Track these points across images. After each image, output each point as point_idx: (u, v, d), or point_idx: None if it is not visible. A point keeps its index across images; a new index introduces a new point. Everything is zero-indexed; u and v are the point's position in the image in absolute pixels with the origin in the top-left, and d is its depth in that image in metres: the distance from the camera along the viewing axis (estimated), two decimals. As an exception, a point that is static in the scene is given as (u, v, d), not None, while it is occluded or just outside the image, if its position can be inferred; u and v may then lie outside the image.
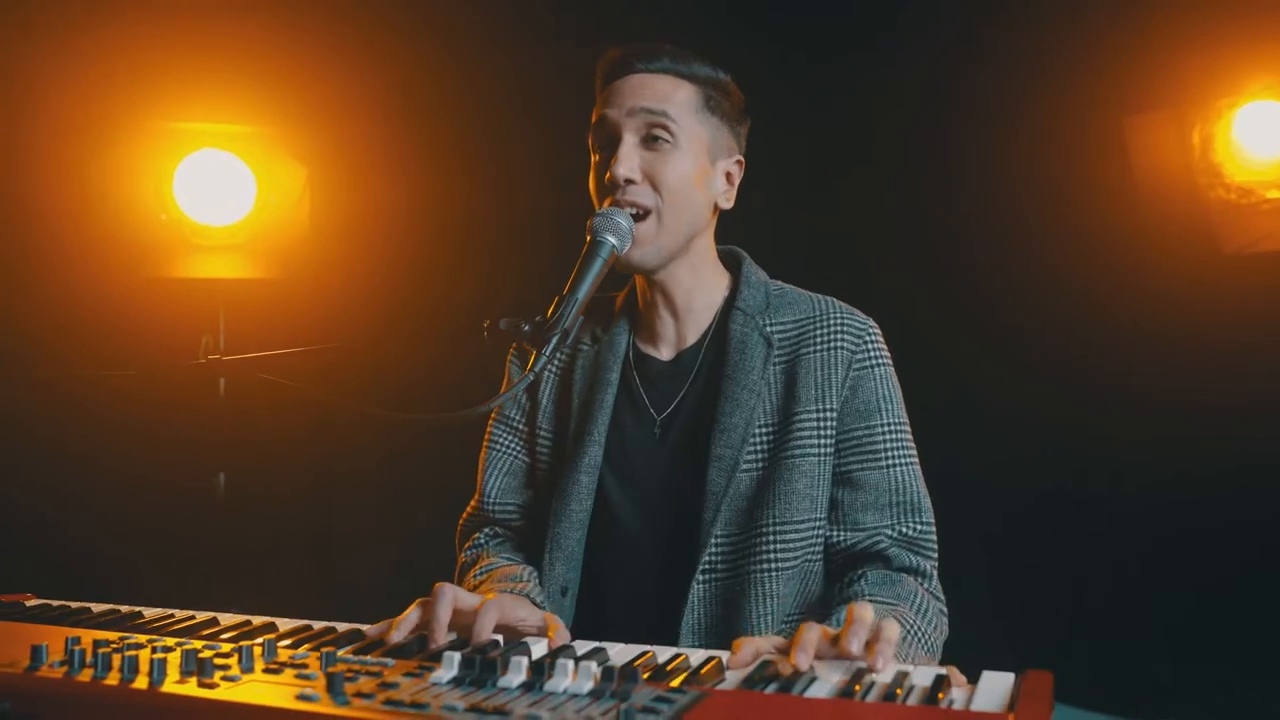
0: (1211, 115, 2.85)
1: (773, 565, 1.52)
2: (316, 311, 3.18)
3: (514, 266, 3.24)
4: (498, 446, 1.78)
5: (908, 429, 1.63)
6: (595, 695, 0.98)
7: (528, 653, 1.21)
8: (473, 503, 1.79)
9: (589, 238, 1.53)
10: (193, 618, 1.42)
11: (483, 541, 1.76)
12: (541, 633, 1.35)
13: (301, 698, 0.99)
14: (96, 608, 1.50)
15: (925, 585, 1.55)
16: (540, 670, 1.02)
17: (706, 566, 1.55)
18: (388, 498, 3.45)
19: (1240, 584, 2.77)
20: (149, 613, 1.46)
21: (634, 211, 1.57)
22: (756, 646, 1.20)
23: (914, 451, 1.63)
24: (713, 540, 1.55)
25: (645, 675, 1.08)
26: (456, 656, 1.06)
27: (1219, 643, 2.80)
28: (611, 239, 1.52)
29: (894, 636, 1.13)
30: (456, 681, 1.03)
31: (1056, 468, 2.99)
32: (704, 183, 1.62)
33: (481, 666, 1.04)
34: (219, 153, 3.11)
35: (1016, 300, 3.02)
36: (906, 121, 3.10)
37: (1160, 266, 2.89)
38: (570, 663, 1.02)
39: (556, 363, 1.76)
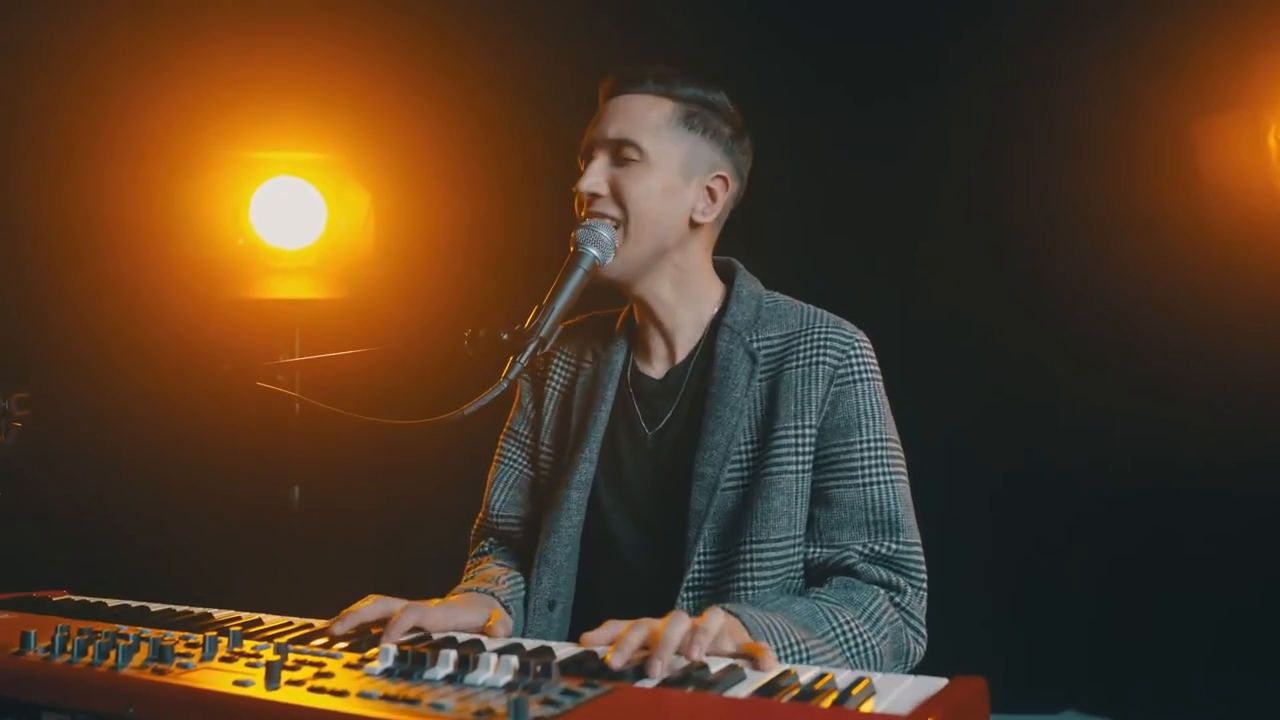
0: (1290, 116, 2.73)
1: (751, 583, 1.52)
2: (382, 328, 3.29)
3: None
4: (505, 460, 1.83)
5: (892, 445, 1.60)
6: (509, 688, 1.01)
7: (475, 647, 1.24)
8: (480, 514, 1.85)
9: (571, 249, 1.57)
10: (189, 612, 1.50)
11: (485, 550, 1.82)
12: (490, 634, 1.37)
13: (238, 683, 1.05)
14: (112, 602, 1.59)
15: (895, 599, 1.52)
16: (466, 664, 1.05)
17: (691, 584, 1.55)
18: (458, 511, 3.53)
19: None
20: (154, 607, 1.55)
21: (599, 217, 1.60)
22: (613, 631, 1.23)
23: (898, 469, 1.59)
24: (696, 558, 1.55)
25: (564, 670, 1.10)
26: (392, 649, 1.10)
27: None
28: (593, 250, 1.56)
29: (712, 627, 1.16)
30: (388, 673, 1.07)
31: (1148, 478, 2.89)
32: (672, 197, 1.63)
33: (413, 659, 1.08)
34: (292, 179, 3.26)
35: (1085, 309, 2.95)
36: (971, 129, 3.06)
37: (1233, 273, 2.78)
38: (493, 656, 1.05)
39: (562, 379, 1.80)
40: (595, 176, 1.62)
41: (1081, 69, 2.93)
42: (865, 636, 1.44)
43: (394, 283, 3.29)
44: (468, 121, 3.28)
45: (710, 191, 1.68)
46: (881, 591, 1.51)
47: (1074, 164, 2.96)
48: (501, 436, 1.86)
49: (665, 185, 1.63)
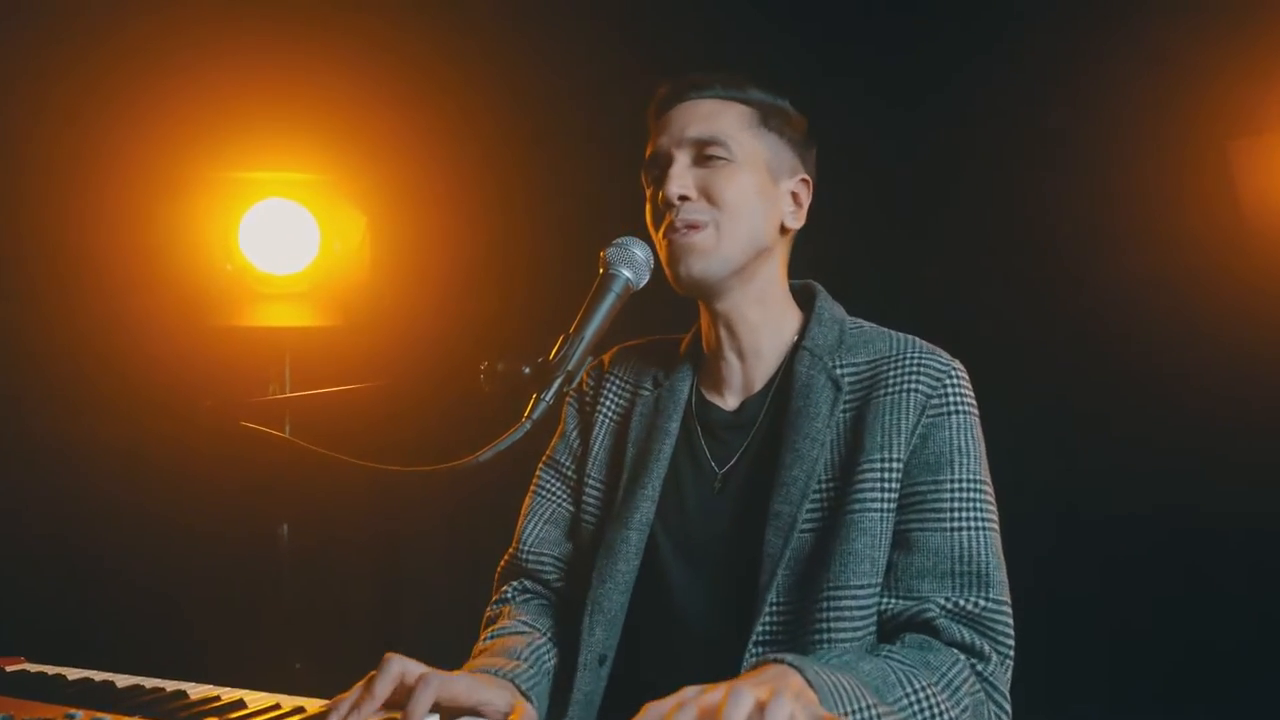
0: (1329, 136, 2.62)
1: (829, 635, 1.33)
2: (378, 357, 3.15)
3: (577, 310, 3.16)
4: (543, 492, 1.65)
5: (985, 488, 1.42)
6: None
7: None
8: (509, 550, 1.66)
9: (601, 270, 1.41)
10: (161, 690, 1.31)
11: (509, 596, 1.62)
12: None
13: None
14: (73, 674, 1.41)
15: (977, 666, 1.32)
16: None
17: (760, 638, 1.37)
18: (455, 547, 3.37)
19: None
20: (121, 682, 1.36)
21: (690, 223, 1.46)
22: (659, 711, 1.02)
23: (990, 515, 1.41)
24: (768, 608, 1.37)
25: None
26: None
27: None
28: (626, 272, 1.40)
29: (781, 714, 0.93)
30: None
31: (1174, 499, 2.75)
32: (767, 198, 1.50)
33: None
34: (283, 201, 3.10)
35: (1119, 334, 2.83)
36: (1001, 152, 2.95)
37: (1271, 296, 2.66)
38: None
39: (615, 407, 1.64)
40: (682, 179, 1.46)
41: (1118, 86, 2.83)
42: (943, 708, 1.25)
43: (390, 310, 3.14)
44: (467, 142, 3.15)
45: (795, 196, 1.55)
46: (962, 657, 1.32)
47: (1107, 183, 2.86)
48: (540, 464, 1.68)
49: (758, 185, 1.49)
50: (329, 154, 3.10)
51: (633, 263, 1.41)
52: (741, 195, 1.47)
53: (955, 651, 1.32)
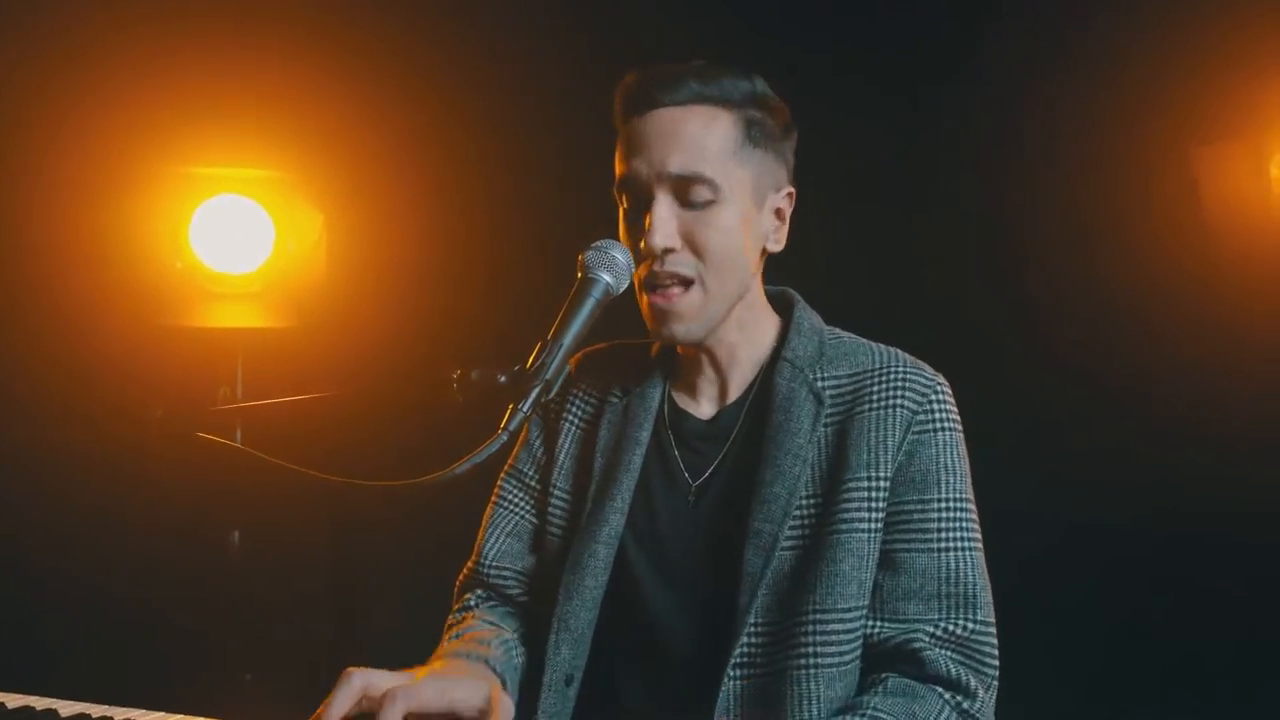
0: (1291, 144, 2.65)
1: (814, 660, 1.29)
2: (334, 361, 3.06)
3: (541, 313, 3.09)
4: (505, 504, 1.59)
5: (971, 507, 1.38)
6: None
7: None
8: (469, 563, 1.60)
9: (580, 274, 1.35)
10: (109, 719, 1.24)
11: (472, 603, 1.55)
12: (484, 717, 1.14)
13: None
14: (13, 702, 1.31)
15: (964, 704, 1.29)
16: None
17: (740, 660, 1.32)
18: (410, 557, 3.30)
19: None
20: (66, 711, 1.28)
21: (672, 284, 1.40)
22: None
23: (976, 535, 1.37)
24: (748, 629, 1.33)
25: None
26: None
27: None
28: (606, 276, 1.34)
29: None
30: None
31: (1124, 508, 2.75)
32: (751, 231, 1.43)
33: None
34: (237, 198, 3.01)
35: (1081, 340, 2.83)
36: (963, 156, 2.94)
37: (1234, 303, 2.68)
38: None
39: (582, 415, 1.58)
40: (667, 228, 1.37)
41: (1084, 92, 2.84)
42: None
43: (347, 312, 3.05)
44: (428, 140, 3.08)
45: (779, 212, 1.48)
46: (949, 701, 1.29)
47: (1073, 189, 2.85)
48: (502, 474, 1.61)
49: (743, 218, 1.41)
50: (285, 150, 3.00)
51: (613, 267, 1.35)
52: (728, 242, 1.39)
53: (940, 693, 1.29)
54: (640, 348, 1.61)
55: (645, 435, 1.49)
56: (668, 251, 1.37)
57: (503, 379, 1.25)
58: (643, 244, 1.38)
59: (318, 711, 1.08)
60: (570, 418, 1.58)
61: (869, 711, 1.25)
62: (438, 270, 3.09)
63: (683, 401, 1.53)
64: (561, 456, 1.56)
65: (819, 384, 1.42)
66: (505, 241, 3.10)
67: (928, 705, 1.27)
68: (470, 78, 3.09)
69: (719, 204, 1.38)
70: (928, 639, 1.30)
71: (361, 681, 1.07)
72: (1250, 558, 2.64)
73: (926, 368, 1.45)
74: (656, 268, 1.38)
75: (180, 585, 3.10)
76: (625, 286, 1.38)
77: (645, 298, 1.42)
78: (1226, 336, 2.71)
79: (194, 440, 2.86)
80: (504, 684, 1.34)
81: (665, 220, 1.37)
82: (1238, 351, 2.70)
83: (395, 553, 3.32)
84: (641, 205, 1.40)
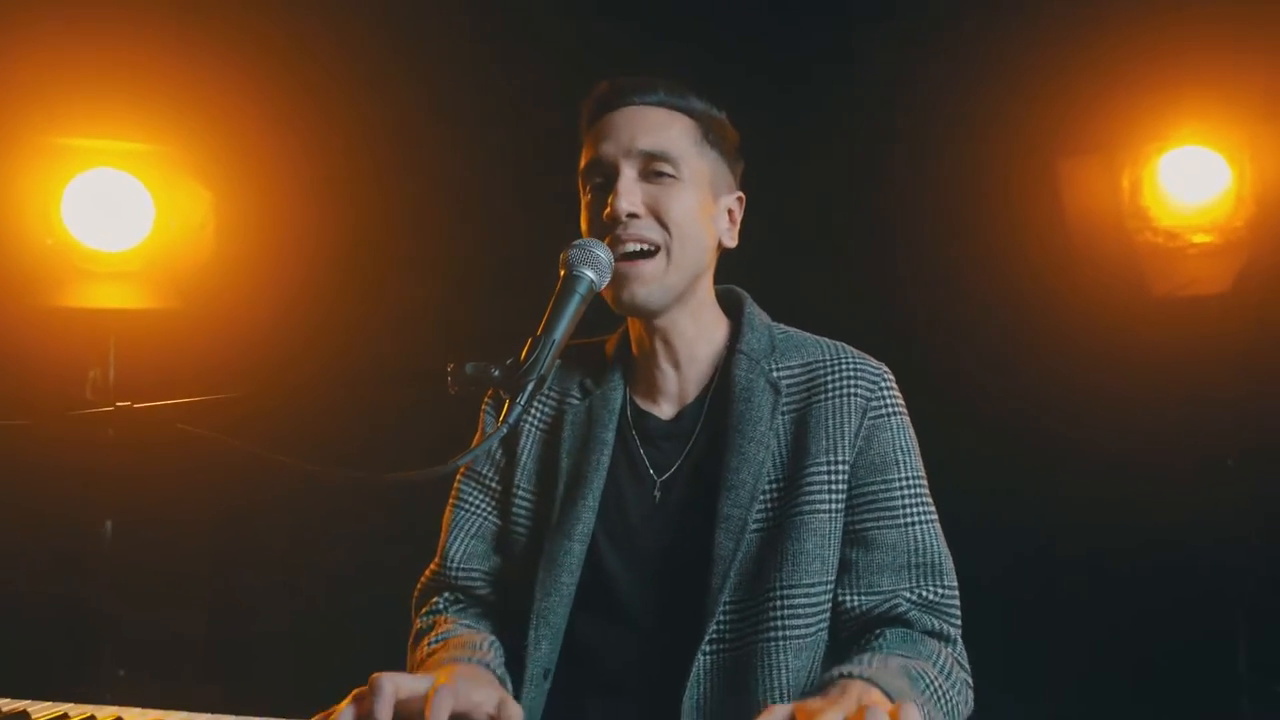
0: (1140, 159, 2.87)
1: (781, 634, 1.39)
2: (219, 346, 2.94)
3: (433, 299, 3.07)
4: (465, 506, 1.60)
5: (925, 484, 1.51)
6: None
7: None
8: (433, 565, 1.61)
9: (563, 272, 1.39)
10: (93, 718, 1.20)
11: (441, 607, 1.57)
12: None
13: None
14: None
15: (950, 650, 1.43)
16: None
17: (714, 637, 1.40)
18: (292, 548, 3.22)
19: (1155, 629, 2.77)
20: (36, 713, 1.23)
21: (640, 248, 1.45)
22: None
23: (933, 508, 1.50)
24: (720, 609, 1.41)
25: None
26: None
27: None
28: (589, 273, 1.38)
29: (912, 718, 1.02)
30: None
31: (979, 521, 2.88)
32: (708, 218, 1.52)
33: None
34: (113, 172, 2.86)
35: (947, 342, 2.98)
36: (828, 161, 3.03)
37: (1092, 308, 2.89)
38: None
39: (541, 416, 1.61)
40: (631, 194, 1.44)
41: (957, 103, 2.96)
42: (949, 694, 1.34)
43: (234, 294, 2.94)
44: (327, 120, 3.00)
45: (731, 213, 1.57)
46: (936, 643, 1.42)
47: (941, 194, 2.99)
48: (459, 477, 1.62)
49: (701, 204, 1.50)
50: (169, 124, 2.87)
51: (596, 264, 1.39)
52: (689, 216, 1.48)
53: (931, 640, 1.41)
54: (594, 347, 1.66)
55: (610, 436, 1.54)
56: (632, 216, 1.45)
57: (497, 373, 1.27)
58: (606, 212, 1.46)
59: (342, 708, 1.09)
60: (530, 419, 1.61)
61: (884, 651, 1.35)
62: (330, 253, 3.02)
63: (644, 403, 1.58)
64: (524, 458, 1.59)
65: (774, 374, 1.51)
66: (400, 223, 3.06)
67: (929, 647, 1.39)
68: (366, 53, 3.02)
69: (680, 182, 1.48)
70: (909, 604, 1.43)
71: (392, 685, 1.09)
72: (1082, 546, 2.85)
73: (871, 359, 1.56)
74: (621, 233, 1.45)
75: (50, 576, 2.95)
76: (607, 283, 1.43)
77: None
78: (1079, 338, 2.90)
79: (67, 423, 2.72)
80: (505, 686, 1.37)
81: (630, 188, 1.46)
82: (1087, 356, 2.88)
83: (275, 548, 3.23)
84: (608, 183, 1.48)
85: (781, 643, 1.38)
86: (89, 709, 1.22)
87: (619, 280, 1.46)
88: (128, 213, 2.89)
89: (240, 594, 3.26)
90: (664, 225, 1.46)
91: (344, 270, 3.03)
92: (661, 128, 1.48)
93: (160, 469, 2.96)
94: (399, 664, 1.14)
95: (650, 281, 1.46)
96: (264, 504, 3.14)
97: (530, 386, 1.27)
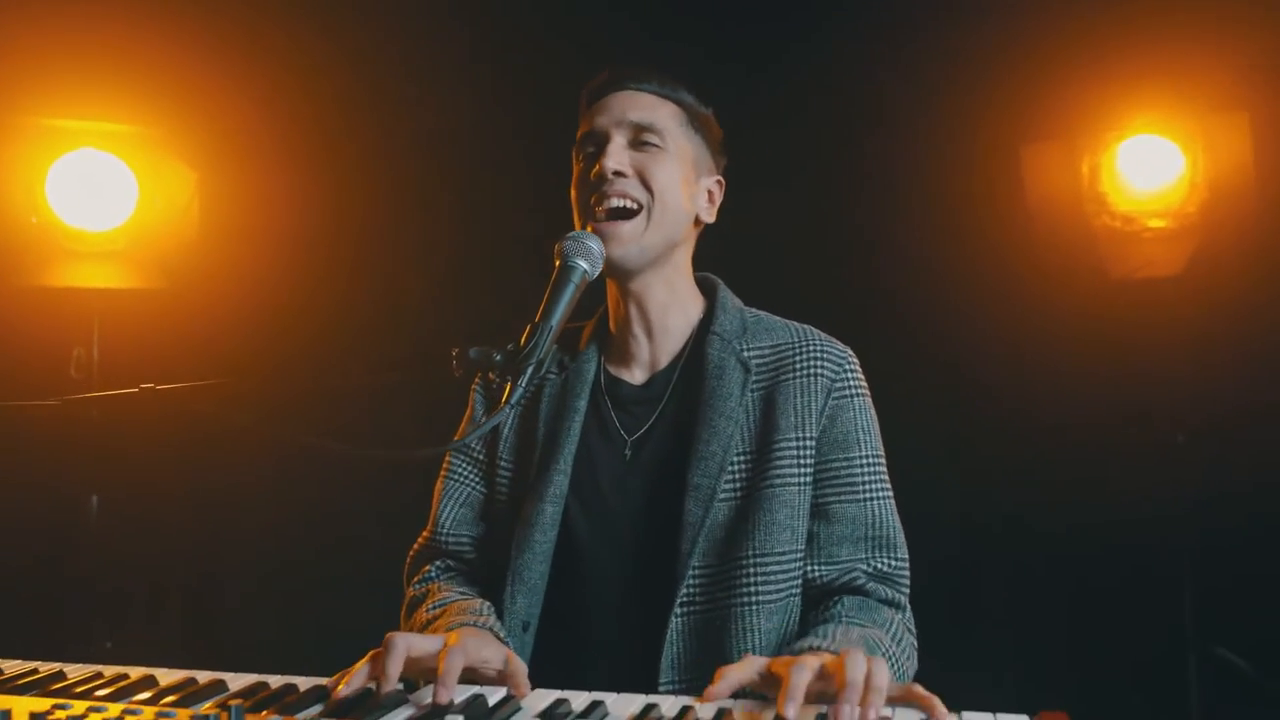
0: (1099, 146, 2.97)
1: (755, 598, 1.48)
2: (203, 325, 2.99)
3: (415, 276, 3.13)
4: (455, 477, 1.70)
5: (884, 462, 1.61)
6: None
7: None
8: (425, 533, 1.71)
9: (558, 262, 1.48)
10: (126, 677, 1.29)
11: (434, 575, 1.67)
12: (502, 678, 1.27)
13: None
14: (8, 666, 1.34)
15: (901, 616, 1.54)
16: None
17: (685, 599, 1.50)
18: (272, 522, 3.27)
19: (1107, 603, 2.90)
20: (72, 672, 1.31)
21: (622, 204, 1.55)
22: (738, 676, 1.18)
23: (889, 485, 1.61)
24: (690, 572, 1.50)
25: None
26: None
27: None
28: (583, 264, 1.47)
29: (884, 684, 1.11)
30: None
31: (943, 494, 3.00)
32: (689, 191, 1.62)
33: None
34: (98, 153, 2.91)
35: (910, 323, 3.05)
36: (799, 145, 3.10)
37: (1052, 290, 2.98)
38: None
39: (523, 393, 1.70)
40: (619, 156, 1.56)
41: (924, 92, 3.05)
42: (899, 658, 1.45)
43: (219, 274, 2.99)
44: (306, 99, 3.04)
45: (710, 193, 1.68)
46: (889, 610, 1.53)
47: (909, 182, 3.07)
48: (450, 450, 1.72)
49: (683, 178, 1.61)
50: (154, 105, 2.91)
51: (589, 255, 1.48)
52: (671, 183, 1.58)
53: (884, 608, 1.52)
54: (573, 330, 1.75)
55: (583, 403, 1.64)
56: (618, 174, 1.55)
57: (498, 357, 1.36)
58: (595, 170, 1.56)
59: (359, 666, 1.18)
60: None
61: (843, 619, 1.45)
62: (313, 233, 3.07)
63: (616, 370, 1.68)
64: (506, 431, 1.68)
65: (745, 354, 1.61)
66: (383, 203, 3.11)
67: (883, 614, 1.51)
68: (348, 32, 3.06)
69: (666, 153, 1.59)
70: (865, 576, 1.55)
71: (404, 644, 1.19)
72: (1038, 518, 2.97)
73: (837, 342, 1.66)
74: (607, 189, 1.55)
75: (36, 550, 2.99)
76: (599, 272, 1.51)
77: (590, 227, 1.56)
78: (1038, 318, 2.98)
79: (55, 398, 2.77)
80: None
81: (618, 150, 1.57)
82: (1045, 335, 2.97)
83: (257, 523, 3.28)
84: (599, 151, 1.59)
85: (755, 606, 1.48)
86: (120, 669, 1.30)
87: (600, 238, 1.55)
88: (112, 193, 2.93)
89: (224, 569, 3.31)
90: (647, 187, 1.56)
91: (327, 249, 3.07)
92: (652, 108, 1.61)
93: (145, 445, 3.01)
94: (381, 631, 1.23)
95: (628, 241, 1.55)
96: (248, 480, 3.19)
97: (529, 369, 1.35)
